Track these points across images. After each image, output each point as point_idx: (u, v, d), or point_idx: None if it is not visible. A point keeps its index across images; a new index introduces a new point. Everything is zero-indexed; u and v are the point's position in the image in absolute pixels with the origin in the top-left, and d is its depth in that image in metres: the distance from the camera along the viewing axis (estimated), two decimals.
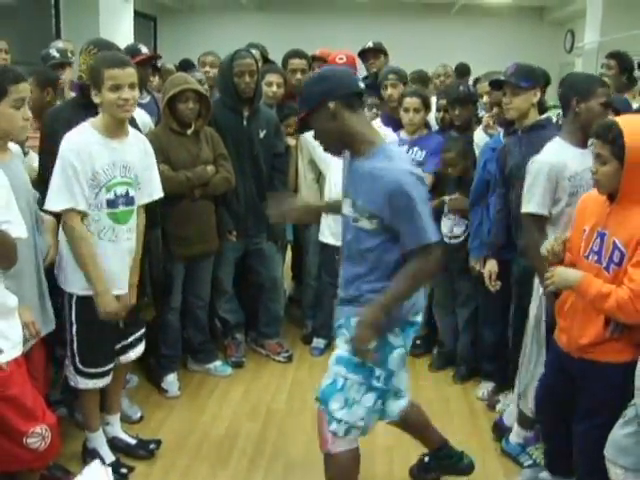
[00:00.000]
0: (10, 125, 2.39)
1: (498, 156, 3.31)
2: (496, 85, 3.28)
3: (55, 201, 2.60)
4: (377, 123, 4.10)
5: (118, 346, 2.93)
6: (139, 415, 3.42)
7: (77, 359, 2.80)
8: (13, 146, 2.53)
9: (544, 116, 3.31)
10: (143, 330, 3.07)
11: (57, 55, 4.00)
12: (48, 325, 2.65)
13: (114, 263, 2.76)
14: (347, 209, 2.39)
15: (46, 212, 2.70)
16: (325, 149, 2.41)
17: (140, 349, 3.05)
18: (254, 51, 4.51)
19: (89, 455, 2.95)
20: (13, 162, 2.48)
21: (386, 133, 4.02)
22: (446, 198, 3.77)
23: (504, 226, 3.32)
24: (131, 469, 2.94)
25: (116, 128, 2.70)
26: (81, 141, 2.61)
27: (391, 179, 2.19)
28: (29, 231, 2.45)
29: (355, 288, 2.39)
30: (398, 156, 2.32)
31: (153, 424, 3.35)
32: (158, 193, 2.96)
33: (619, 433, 2.27)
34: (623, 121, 2.30)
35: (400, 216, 2.20)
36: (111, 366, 2.88)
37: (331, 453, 2.45)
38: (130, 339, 2.98)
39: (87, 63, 2.94)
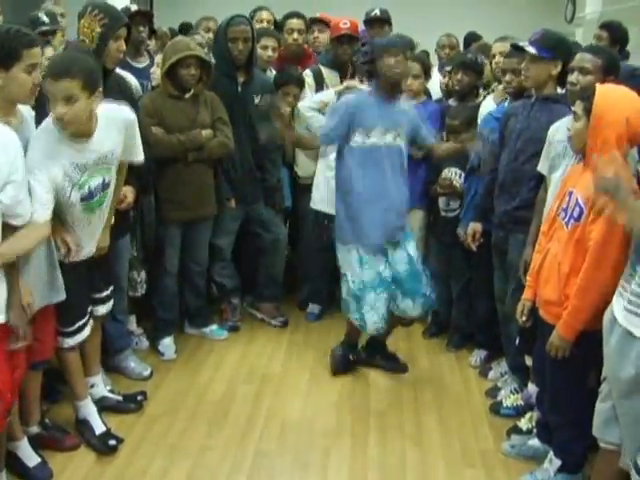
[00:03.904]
0: (21, 90, 2.33)
1: (501, 118, 3.29)
2: (517, 49, 3.13)
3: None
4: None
5: (92, 296, 2.94)
6: (149, 371, 3.48)
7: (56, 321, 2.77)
8: (23, 107, 2.49)
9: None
10: (112, 288, 3.06)
11: (46, 20, 3.84)
12: (58, 294, 2.64)
13: (86, 240, 2.75)
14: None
15: None
16: None
17: (109, 305, 3.05)
18: (265, 13, 4.49)
19: (80, 425, 2.96)
20: (24, 126, 2.44)
21: None
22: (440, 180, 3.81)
23: (492, 188, 3.30)
24: (120, 441, 2.93)
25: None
26: (47, 142, 2.46)
27: None
28: None
29: None
30: None
31: (149, 387, 3.38)
32: (138, 158, 2.89)
33: (602, 408, 2.31)
34: (602, 85, 2.40)
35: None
36: (86, 319, 2.86)
37: None
38: (104, 294, 2.99)
39: (91, 28, 2.89)
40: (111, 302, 3.06)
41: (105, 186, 2.69)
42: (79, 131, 2.50)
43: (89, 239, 2.77)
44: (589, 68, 2.71)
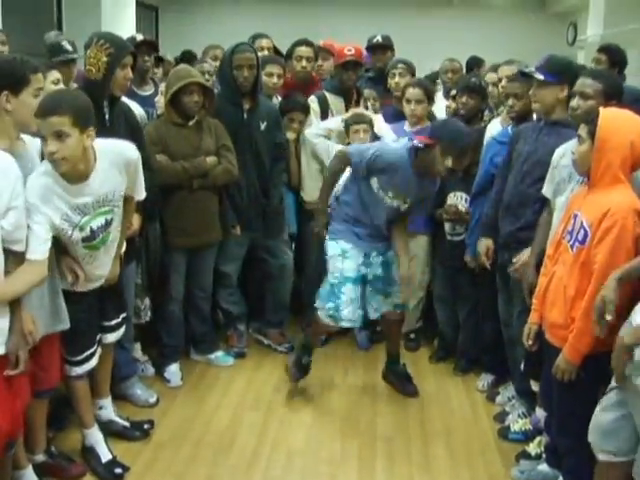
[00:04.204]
0: (30, 114, 2.36)
1: (509, 140, 3.30)
2: (524, 75, 3.13)
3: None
4: (379, 119, 4.11)
5: (101, 324, 2.93)
6: (155, 398, 3.47)
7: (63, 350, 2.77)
8: (27, 137, 2.51)
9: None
10: (124, 315, 3.06)
11: (70, 48, 3.90)
12: (62, 323, 2.63)
13: (92, 274, 2.74)
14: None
15: None
16: None
17: (121, 332, 3.04)
18: (265, 40, 4.53)
19: (87, 452, 2.94)
20: (25, 154, 2.45)
21: (386, 131, 4.03)
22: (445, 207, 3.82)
23: (498, 208, 3.29)
24: (126, 469, 2.91)
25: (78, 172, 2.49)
26: (42, 186, 2.40)
27: None
28: None
29: None
30: None
31: (156, 414, 3.37)
32: (139, 196, 2.85)
33: (605, 419, 2.30)
34: (605, 108, 2.42)
35: None
36: (94, 348, 2.86)
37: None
38: (113, 322, 2.97)
39: (97, 57, 2.90)
40: (121, 330, 3.04)
41: (108, 225, 2.65)
42: (75, 172, 2.44)
43: (96, 273, 2.76)
44: (589, 93, 2.72)
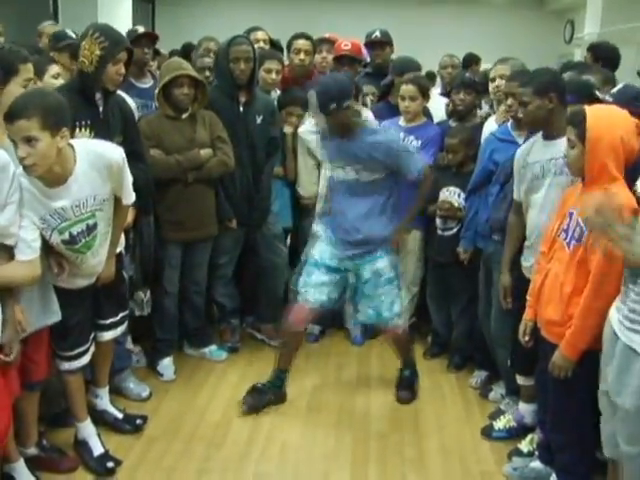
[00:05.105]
0: None
1: None
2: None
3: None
4: (368, 114, 4.08)
5: (96, 322, 2.91)
6: (148, 392, 3.46)
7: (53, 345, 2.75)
8: None
9: None
10: (124, 313, 3.04)
11: (73, 36, 3.85)
12: (53, 315, 2.61)
13: (80, 275, 2.71)
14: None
15: None
16: None
17: (119, 331, 3.02)
18: (260, 33, 4.50)
19: (79, 446, 2.94)
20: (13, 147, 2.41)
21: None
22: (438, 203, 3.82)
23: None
24: (118, 463, 2.90)
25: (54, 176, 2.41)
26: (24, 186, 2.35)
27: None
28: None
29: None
30: None
31: (148, 407, 3.36)
32: (126, 200, 2.75)
33: (610, 430, 2.28)
34: (590, 108, 2.42)
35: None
36: (87, 346, 2.84)
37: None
38: (108, 320, 2.94)
39: (91, 50, 2.84)
40: (119, 328, 3.02)
41: (91, 230, 2.59)
42: (51, 175, 2.36)
43: (86, 272, 2.72)
44: (525, 100, 2.79)
